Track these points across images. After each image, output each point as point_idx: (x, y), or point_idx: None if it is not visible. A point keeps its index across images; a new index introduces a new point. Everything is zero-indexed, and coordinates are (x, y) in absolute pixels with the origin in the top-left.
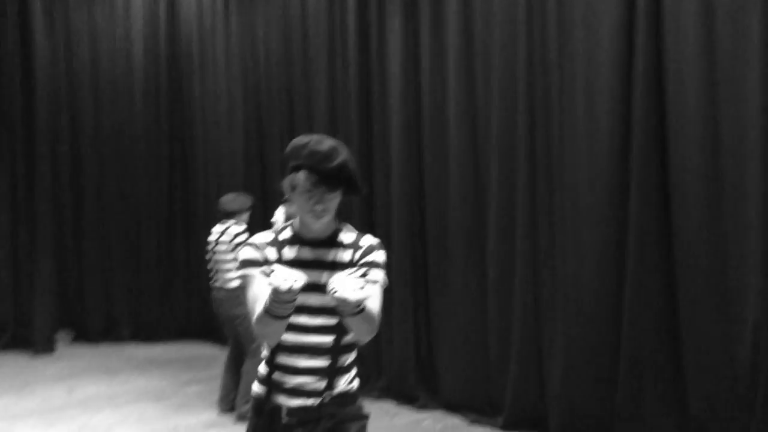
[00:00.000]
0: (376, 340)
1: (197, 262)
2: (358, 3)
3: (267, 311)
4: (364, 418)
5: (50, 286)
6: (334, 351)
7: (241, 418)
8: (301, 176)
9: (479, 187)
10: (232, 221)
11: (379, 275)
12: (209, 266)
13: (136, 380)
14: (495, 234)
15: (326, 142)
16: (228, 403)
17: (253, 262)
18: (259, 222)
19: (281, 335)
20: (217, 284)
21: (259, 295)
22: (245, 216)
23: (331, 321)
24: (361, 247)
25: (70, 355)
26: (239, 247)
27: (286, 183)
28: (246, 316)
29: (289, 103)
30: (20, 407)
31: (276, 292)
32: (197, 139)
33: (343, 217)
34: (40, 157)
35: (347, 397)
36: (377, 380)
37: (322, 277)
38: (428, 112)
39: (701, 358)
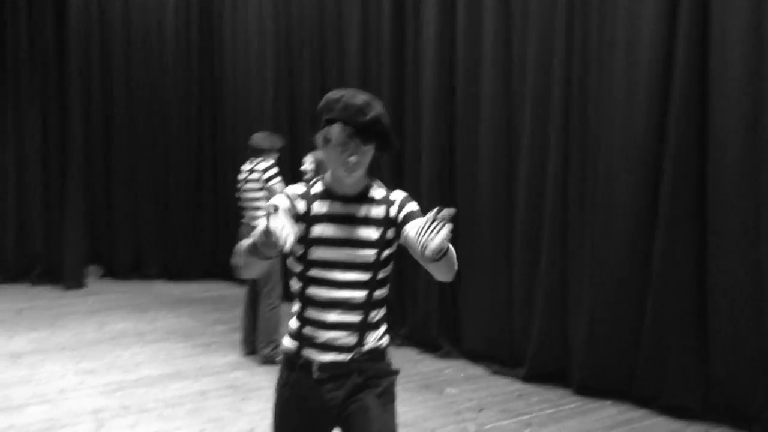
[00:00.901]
0: (400, 289)
1: (224, 204)
2: None
3: (254, 250)
4: (394, 373)
5: (80, 222)
6: (366, 306)
7: (265, 360)
8: (335, 129)
9: (511, 141)
10: (260, 159)
11: (419, 211)
12: (239, 203)
13: (165, 318)
14: (524, 187)
15: (360, 96)
16: (249, 345)
17: (284, 201)
18: (287, 171)
19: (258, 274)
20: (245, 220)
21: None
22: (274, 155)
23: (363, 276)
24: (394, 202)
25: (99, 290)
26: (270, 182)
27: (319, 136)
28: None
29: (321, 58)
30: (52, 342)
31: (265, 235)
32: (227, 87)
33: (374, 173)
34: (73, 97)
35: (377, 353)
36: (401, 328)
37: (354, 232)
38: (462, 69)
39: (728, 319)
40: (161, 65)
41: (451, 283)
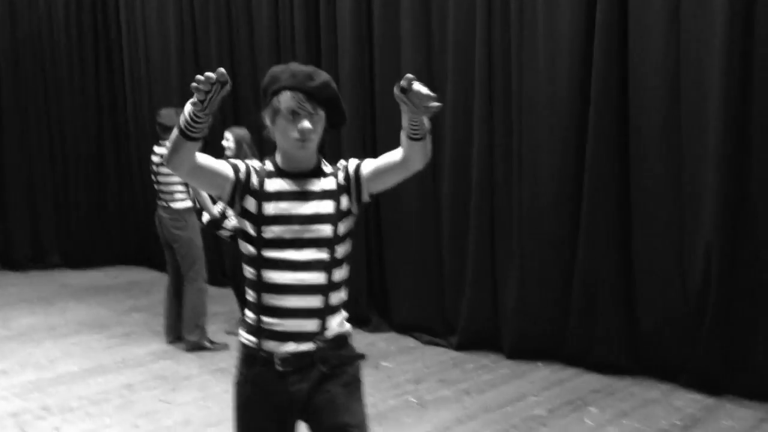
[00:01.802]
0: None
1: (130, 185)
2: None
3: (181, 130)
4: (359, 358)
5: None
6: (326, 289)
7: (192, 347)
8: (284, 96)
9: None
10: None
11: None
12: (155, 187)
13: (75, 309)
14: (450, 158)
15: (305, 66)
16: (174, 333)
17: (237, 166)
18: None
19: (189, 166)
20: (163, 204)
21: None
22: None
23: (321, 254)
24: (339, 168)
25: None
26: None
27: (266, 111)
28: (187, 239)
29: (228, 28)
30: None
31: (196, 89)
32: (128, 60)
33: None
34: None
35: (341, 339)
36: None
37: (308, 207)
38: (379, 33)
39: (654, 279)
40: (51, 38)
41: (378, 253)
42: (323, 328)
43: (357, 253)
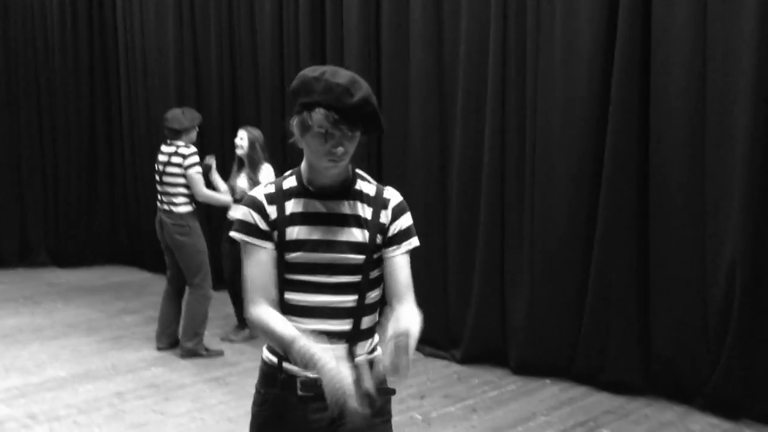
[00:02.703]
0: None
1: (122, 184)
2: None
3: (284, 348)
4: (389, 393)
5: None
6: (357, 312)
7: (187, 353)
8: (317, 115)
9: (443, 117)
10: (180, 141)
11: (411, 243)
12: (158, 188)
13: (63, 310)
14: (458, 168)
15: (343, 73)
16: (168, 338)
17: (251, 227)
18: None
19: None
20: (165, 207)
21: (257, 276)
22: (194, 133)
23: (352, 278)
24: (386, 205)
25: None
26: (192, 169)
27: (295, 123)
28: (190, 245)
29: (229, 23)
30: None
31: (319, 370)
32: (124, 58)
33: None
34: None
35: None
36: None
37: (337, 233)
38: (388, 31)
39: (671, 296)
40: (45, 36)
41: None
42: (351, 354)
43: None
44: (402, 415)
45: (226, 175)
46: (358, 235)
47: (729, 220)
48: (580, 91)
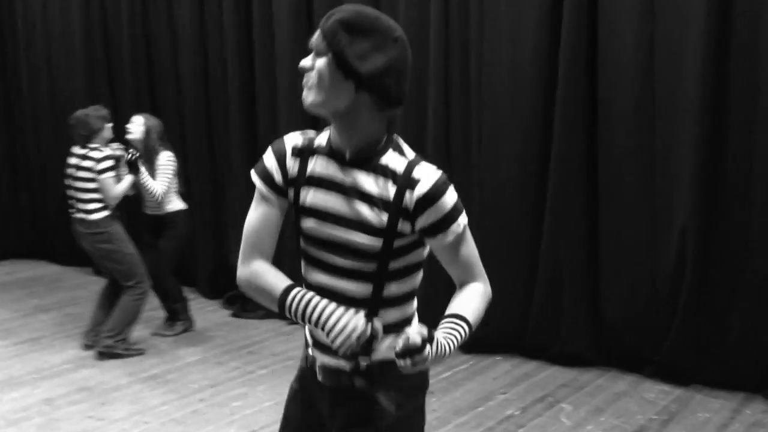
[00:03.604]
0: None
1: (25, 172)
2: None
3: (279, 304)
4: (417, 393)
5: None
6: (372, 304)
7: (105, 351)
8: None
9: None
10: (92, 143)
11: (459, 224)
12: (68, 192)
13: None
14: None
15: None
16: (94, 336)
17: (267, 174)
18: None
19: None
20: (79, 216)
21: (256, 230)
22: (106, 132)
23: (366, 265)
24: (412, 186)
25: None
26: (104, 174)
27: None
28: (115, 251)
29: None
30: None
31: (323, 329)
32: (26, 54)
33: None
34: None
35: (390, 368)
36: None
37: (350, 208)
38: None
39: (621, 268)
40: None
41: None
42: (367, 348)
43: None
44: None
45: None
46: (373, 216)
47: (678, 191)
48: (525, 65)
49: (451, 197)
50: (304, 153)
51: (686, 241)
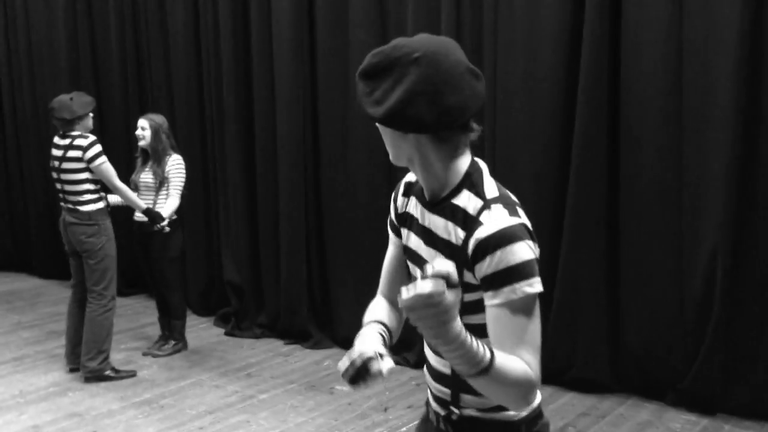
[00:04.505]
0: (256, 273)
1: (5, 180)
2: None
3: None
4: None
5: None
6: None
7: (91, 376)
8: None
9: None
10: (74, 131)
11: (516, 289)
12: (57, 186)
13: None
14: None
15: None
16: (77, 357)
17: (390, 211)
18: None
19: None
20: (69, 206)
21: (383, 269)
22: (89, 120)
23: None
24: (473, 230)
25: None
26: (97, 161)
27: None
28: (99, 248)
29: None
30: None
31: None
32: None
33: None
34: None
35: (481, 426)
36: (257, 317)
37: (428, 251)
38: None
39: (643, 291)
40: None
41: (320, 264)
42: (456, 401)
43: (294, 259)
44: None
45: (131, 171)
46: (440, 262)
47: (707, 209)
48: (543, 74)
49: (518, 252)
50: (408, 192)
51: (717, 263)
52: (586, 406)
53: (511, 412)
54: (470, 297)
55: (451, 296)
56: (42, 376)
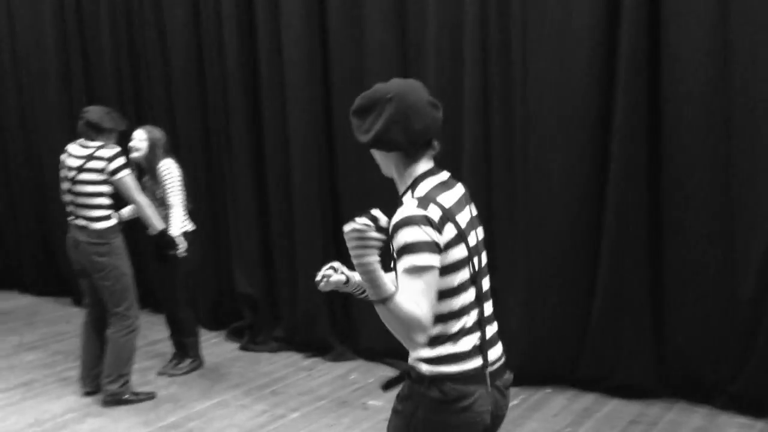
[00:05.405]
0: (270, 284)
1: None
2: None
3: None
4: (415, 400)
5: None
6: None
7: (111, 399)
8: None
9: None
10: (98, 142)
11: (407, 262)
12: (67, 199)
13: None
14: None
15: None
16: (95, 379)
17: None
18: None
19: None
20: (80, 222)
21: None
22: (114, 138)
23: None
24: (393, 217)
25: None
26: (120, 173)
27: None
28: (112, 268)
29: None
30: None
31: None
32: None
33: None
34: None
35: (413, 373)
36: (273, 329)
37: None
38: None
39: (690, 292)
40: None
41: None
42: (407, 356)
43: (313, 269)
44: None
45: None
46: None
47: (759, 206)
48: (577, 72)
49: (410, 233)
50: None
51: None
52: (633, 413)
53: (423, 366)
54: None
55: (374, 233)
56: (56, 402)
